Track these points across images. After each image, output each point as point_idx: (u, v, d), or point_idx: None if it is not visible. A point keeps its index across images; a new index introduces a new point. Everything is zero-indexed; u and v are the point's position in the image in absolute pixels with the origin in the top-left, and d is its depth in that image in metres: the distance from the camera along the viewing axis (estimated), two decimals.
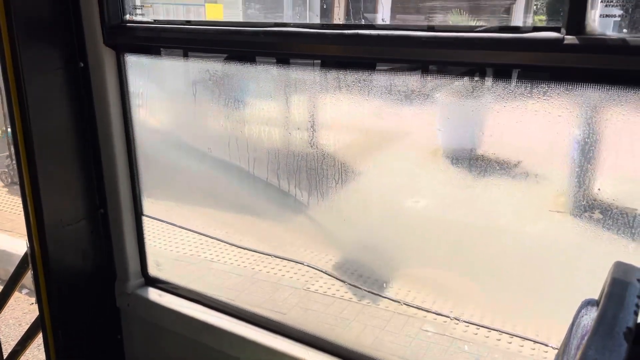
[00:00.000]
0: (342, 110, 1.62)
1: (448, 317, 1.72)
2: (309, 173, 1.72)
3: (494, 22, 1.84)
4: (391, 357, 1.76)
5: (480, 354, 1.81)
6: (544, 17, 2.35)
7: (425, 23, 1.59)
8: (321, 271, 1.98)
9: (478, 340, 1.78)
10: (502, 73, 1.25)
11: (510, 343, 1.82)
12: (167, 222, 2.17)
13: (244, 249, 2.18)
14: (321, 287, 2.19)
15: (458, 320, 1.71)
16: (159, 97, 2.15)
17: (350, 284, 1.94)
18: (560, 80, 1.16)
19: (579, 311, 0.89)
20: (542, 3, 2.46)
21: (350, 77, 1.53)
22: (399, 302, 1.78)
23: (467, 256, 1.54)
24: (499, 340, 1.81)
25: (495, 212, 1.47)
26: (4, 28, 1.67)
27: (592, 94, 1.16)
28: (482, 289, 1.60)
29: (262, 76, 1.71)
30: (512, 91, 1.25)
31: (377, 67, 1.48)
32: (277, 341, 1.83)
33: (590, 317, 0.84)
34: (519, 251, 1.49)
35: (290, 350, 1.78)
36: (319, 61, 1.57)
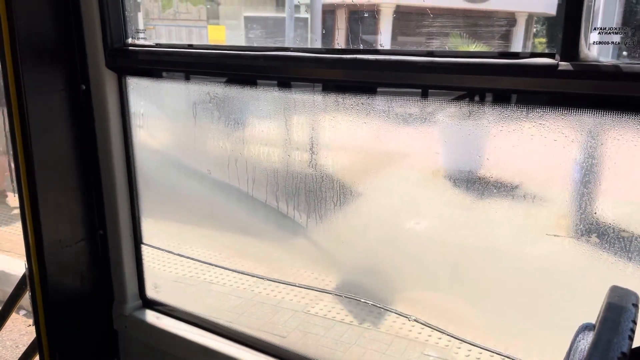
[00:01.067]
0: (341, 132, 1.63)
1: (451, 337, 1.70)
2: (307, 195, 1.72)
3: (494, 46, 1.87)
4: None
5: None
6: (544, 40, 2.36)
7: (426, 44, 1.61)
8: (323, 292, 1.98)
9: None
10: (499, 98, 1.26)
11: None
12: (165, 250, 2.17)
13: (242, 273, 2.19)
14: (321, 309, 2.17)
15: (460, 339, 1.70)
16: (160, 120, 2.17)
17: (352, 302, 1.93)
18: (556, 105, 1.18)
19: (576, 335, 0.89)
20: (543, 25, 2.49)
21: (350, 99, 1.54)
22: (407, 316, 1.75)
23: (468, 278, 1.53)
24: None
25: (495, 234, 1.48)
26: (8, 49, 1.68)
27: (587, 119, 1.17)
28: (482, 312, 1.59)
29: (262, 98, 1.73)
30: (509, 115, 1.26)
31: (377, 91, 1.48)
32: None
33: (586, 341, 0.84)
34: (518, 273, 1.48)
35: None
36: (319, 85, 1.58)
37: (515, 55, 1.21)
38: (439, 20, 1.87)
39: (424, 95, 1.38)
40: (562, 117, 1.20)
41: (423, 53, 1.36)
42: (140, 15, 2.25)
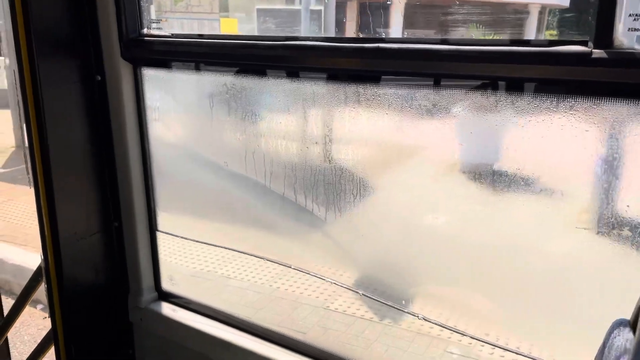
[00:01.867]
0: (359, 124, 1.62)
1: (474, 338, 1.68)
2: (326, 188, 1.71)
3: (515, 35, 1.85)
4: None
5: None
6: (554, 32, 2.32)
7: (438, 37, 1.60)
8: (344, 287, 1.97)
9: None
10: (528, 87, 1.24)
11: None
12: (183, 237, 2.17)
13: (263, 259, 2.18)
14: (341, 305, 2.15)
15: (482, 341, 1.68)
16: (175, 111, 2.16)
17: (373, 300, 1.92)
18: (588, 94, 1.15)
19: (610, 332, 0.88)
20: (555, 16, 2.46)
21: (368, 90, 1.52)
22: (416, 315, 1.73)
23: (490, 274, 1.51)
24: None
25: (518, 229, 1.45)
26: (23, 41, 1.68)
27: (620, 109, 1.15)
28: (505, 309, 1.56)
29: (279, 89, 1.72)
30: (537, 105, 1.24)
31: (391, 80, 1.47)
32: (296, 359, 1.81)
33: (623, 337, 0.83)
34: (544, 269, 1.45)
35: None
36: (329, 74, 1.58)
37: (544, 43, 1.19)
38: (459, 9, 1.85)
39: (443, 85, 1.36)
40: (594, 106, 1.17)
41: (437, 41, 1.34)
42: (152, 7, 2.25)
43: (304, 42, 1.56)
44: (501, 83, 1.28)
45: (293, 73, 1.65)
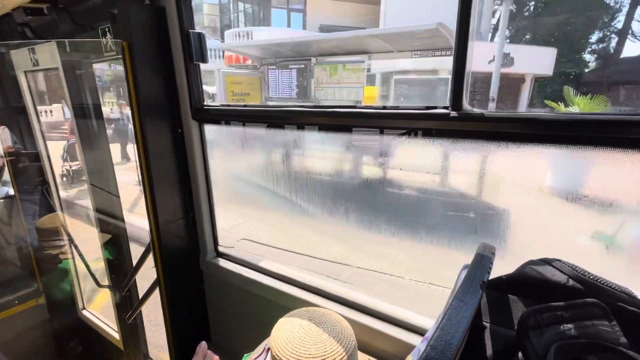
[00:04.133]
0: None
1: None
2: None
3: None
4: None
5: None
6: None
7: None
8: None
9: None
10: (422, 134, 1.36)
11: None
12: (261, 243, 2.22)
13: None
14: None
15: None
16: (227, 150, 2.28)
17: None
18: (452, 137, 1.27)
19: (460, 272, 0.94)
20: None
21: (347, 137, 1.55)
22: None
23: None
24: None
25: None
26: (135, 106, 1.82)
27: (467, 145, 1.25)
28: None
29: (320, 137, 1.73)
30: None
31: (357, 130, 1.52)
32: (319, 299, 1.77)
33: (462, 275, 0.89)
34: None
35: (327, 304, 1.72)
36: (319, 127, 1.63)
37: (430, 107, 1.30)
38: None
39: (382, 132, 1.43)
40: (454, 143, 1.27)
41: (380, 107, 1.42)
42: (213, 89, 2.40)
43: (301, 108, 1.64)
44: (407, 131, 1.37)
45: (300, 126, 1.67)
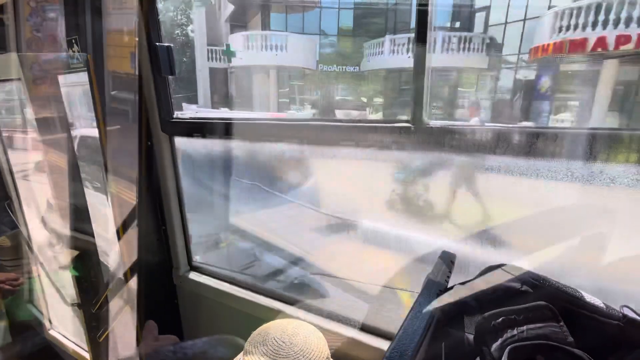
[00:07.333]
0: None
1: None
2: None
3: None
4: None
5: None
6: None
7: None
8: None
9: None
10: (384, 147, 1.43)
11: None
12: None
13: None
14: None
15: None
16: (196, 161, 2.36)
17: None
18: (414, 149, 1.38)
19: (425, 280, 1.01)
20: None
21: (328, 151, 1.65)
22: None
23: None
24: None
25: None
26: (100, 120, 1.74)
27: (436, 155, 1.39)
28: None
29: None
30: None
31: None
32: (293, 310, 1.81)
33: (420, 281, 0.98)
34: None
35: (308, 317, 1.72)
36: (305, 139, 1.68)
37: (394, 121, 1.40)
38: None
39: (357, 145, 1.50)
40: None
41: (351, 121, 1.49)
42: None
43: (273, 121, 1.71)
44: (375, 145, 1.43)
45: (276, 140, 1.73)
